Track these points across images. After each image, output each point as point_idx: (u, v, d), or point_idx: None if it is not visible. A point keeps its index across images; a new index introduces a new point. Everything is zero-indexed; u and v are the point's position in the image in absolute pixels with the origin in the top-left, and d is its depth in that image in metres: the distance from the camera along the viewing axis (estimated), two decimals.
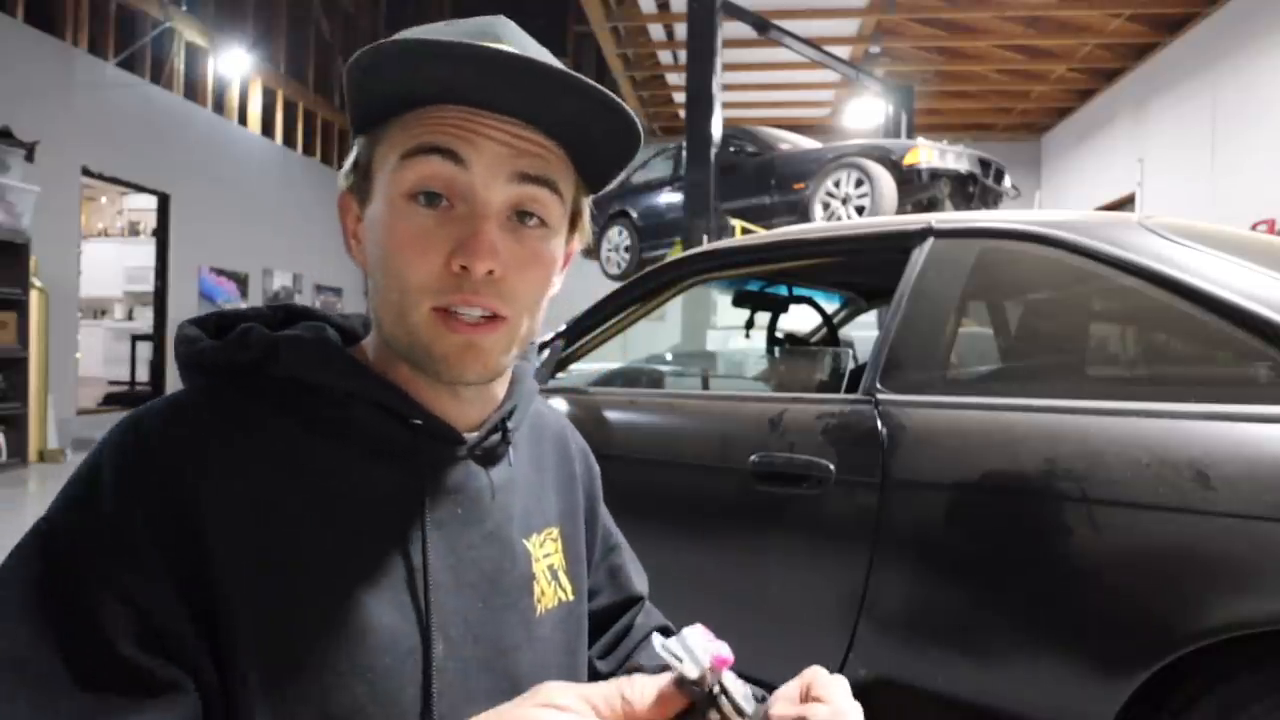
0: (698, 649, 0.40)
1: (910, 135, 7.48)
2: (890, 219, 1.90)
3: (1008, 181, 6.01)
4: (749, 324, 2.85)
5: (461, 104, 0.52)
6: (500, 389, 0.63)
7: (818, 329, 2.93)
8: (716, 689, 0.41)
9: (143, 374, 8.88)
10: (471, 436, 0.59)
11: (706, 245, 2.73)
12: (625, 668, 0.73)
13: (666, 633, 0.78)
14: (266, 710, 0.48)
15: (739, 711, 0.41)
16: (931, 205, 5.45)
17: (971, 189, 5.55)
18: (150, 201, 8.50)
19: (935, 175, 5.37)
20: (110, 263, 10.35)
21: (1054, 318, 1.68)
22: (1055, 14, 7.94)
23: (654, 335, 4.75)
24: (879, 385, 1.47)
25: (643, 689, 0.41)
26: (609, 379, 2.38)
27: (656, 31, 9.03)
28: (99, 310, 10.86)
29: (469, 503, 0.59)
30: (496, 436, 0.62)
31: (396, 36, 0.50)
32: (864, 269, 2.41)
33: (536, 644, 0.61)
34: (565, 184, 0.56)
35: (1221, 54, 7.17)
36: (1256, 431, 1.10)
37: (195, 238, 8.48)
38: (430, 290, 0.52)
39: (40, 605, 0.45)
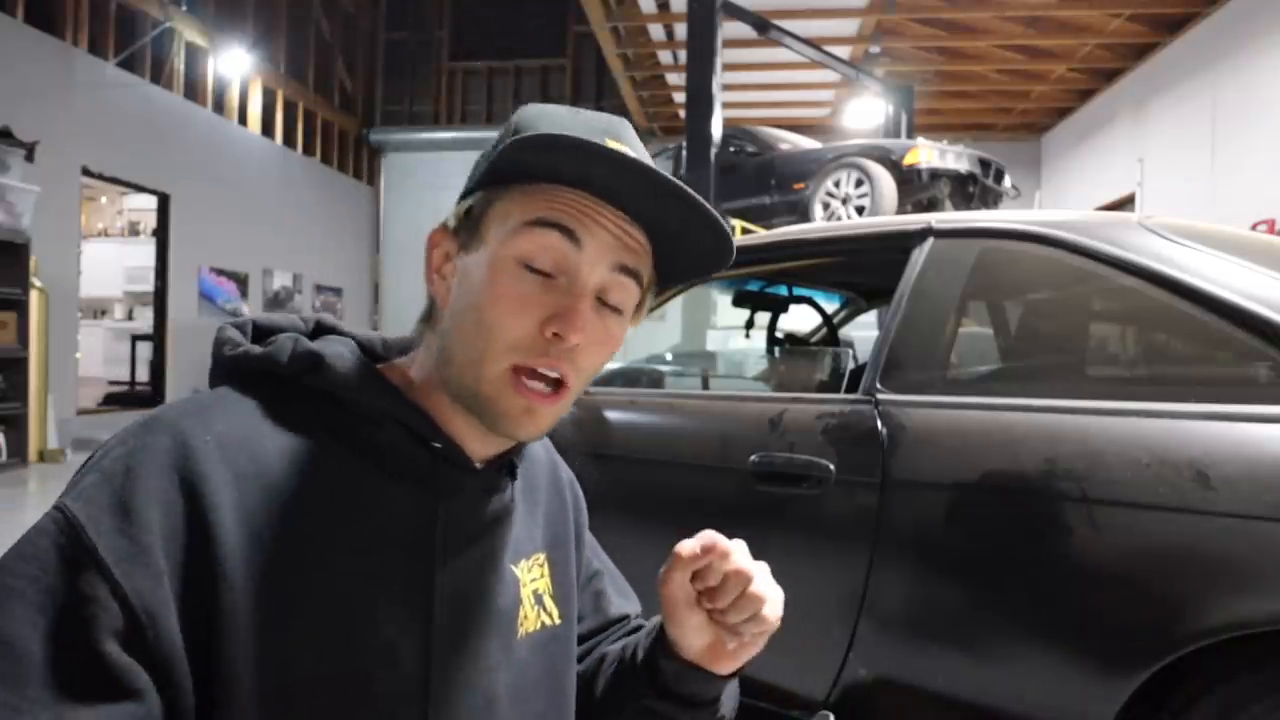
0: None
1: (910, 135, 7.48)
2: (890, 219, 1.90)
3: (1008, 181, 6.01)
4: (749, 324, 2.85)
5: (586, 190, 0.57)
6: None
7: (818, 329, 2.93)
8: None
9: (143, 374, 8.87)
10: (481, 466, 0.62)
11: None
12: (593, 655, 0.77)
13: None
14: None
15: None
16: (931, 205, 5.46)
17: (971, 189, 5.55)
18: (150, 201, 8.49)
19: (935, 175, 5.37)
20: (110, 263, 10.34)
21: (1054, 318, 1.68)
22: (1055, 14, 7.93)
23: (654, 335, 4.75)
24: (879, 385, 1.48)
25: None
26: (609, 379, 2.38)
27: (656, 31, 9.02)
28: (99, 310, 10.85)
29: (473, 528, 0.61)
30: (504, 471, 0.65)
31: (562, 132, 0.54)
32: (864, 269, 2.41)
33: (514, 665, 0.63)
34: (646, 278, 0.62)
35: (1221, 54, 7.16)
36: (1256, 431, 1.10)
37: (195, 238, 8.47)
38: (519, 349, 0.56)
39: (42, 590, 0.46)
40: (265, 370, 0.58)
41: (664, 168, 7.28)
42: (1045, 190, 11.07)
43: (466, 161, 0.69)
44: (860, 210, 5.33)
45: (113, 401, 8.35)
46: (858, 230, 1.82)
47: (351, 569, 0.54)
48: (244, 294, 9.36)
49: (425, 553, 0.58)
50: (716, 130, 5.35)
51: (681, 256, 0.62)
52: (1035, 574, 1.22)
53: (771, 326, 2.84)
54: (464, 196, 0.61)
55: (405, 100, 12.36)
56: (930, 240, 1.57)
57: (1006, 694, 1.24)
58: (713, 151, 5.27)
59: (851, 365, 2.16)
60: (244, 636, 0.49)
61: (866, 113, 8.86)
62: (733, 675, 0.67)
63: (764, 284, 2.67)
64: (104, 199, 10.83)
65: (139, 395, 8.66)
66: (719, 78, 5.46)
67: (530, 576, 0.67)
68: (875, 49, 8.52)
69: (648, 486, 1.75)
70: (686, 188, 0.56)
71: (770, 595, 0.60)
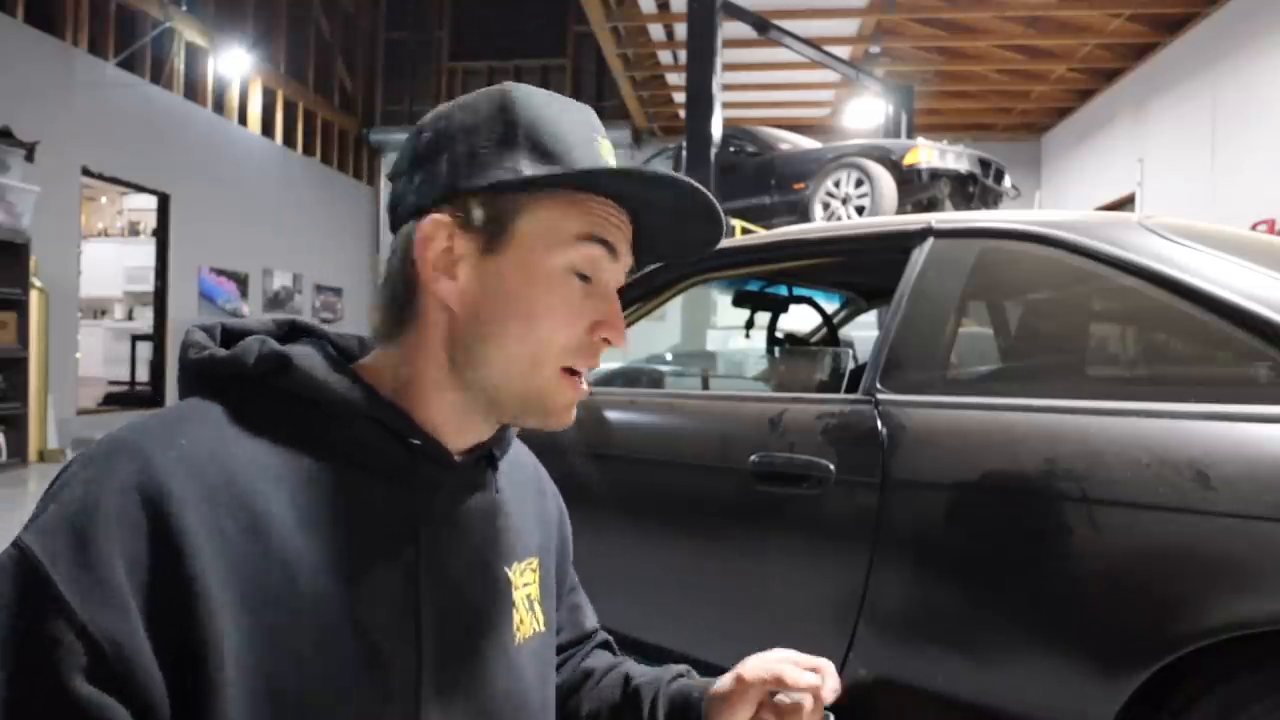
0: None
1: (910, 135, 7.48)
2: (890, 219, 1.90)
3: (1008, 181, 6.01)
4: (749, 324, 2.85)
5: (608, 196, 0.60)
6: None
7: (818, 329, 2.93)
8: None
9: (143, 374, 8.87)
10: (462, 460, 0.61)
11: None
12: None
13: (610, 648, 0.84)
14: None
15: None
16: (931, 205, 5.46)
17: (971, 189, 5.55)
18: (150, 201, 8.49)
19: (935, 175, 5.37)
20: (110, 263, 10.33)
21: (1054, 318, 1.68)
22: (1055, 14, 7.93)
23: (654, 335, 4.75)
24: (879, 385, 1.47)
25: None
26: (609, 379, 2.37)
27: (656, 31, 9.02)
28: (99, 310, 10.85)
29: (458, 525, 0.61)
30: (484, 463, 0.65)
31: (620, 170, 0.59)
32: (864, 269, 2.41)
33: (513, 671, 0.63)
34: None
35: (1221, 54, 7.16)
36: (1256, 431, 1.10)
37: (195, 238, 8.47)
38: (570, 351, 0.59)
39: (3, 631, 0.45)
40: (232, 373, 0.56)
41: (664, 168, 7.28)
42: (1045, 190, 11.07)
43: None
44: (860, 210, 5.33)
45: (113, 401, 8.35)
46: (858, 230, 1.82)
47: (330, 572, 0.52)
48: (244, 294, 9.36)
49: (408, 551, 0.57)
50: (716, 130, 5.35)
51: (656, 232, 0.65)
52: (1035, 574, 1.22)
53: (771, 326, 2.84)
54: (470, 191, 0.57)
55: (405, 100, 12.36)
56: (930, 240, 1.57)
57: (1007, 694, 1.24)
58: (713, 151, 5.27)
59: (851, 365, 2.16)
60: (225, 652, 0.47)
61: (866, 113, 8.87)
62: None
63: (764, 284, 2.67)
64: (104, 199, 10.83)
65: (139, 395, 8.66)
66: (719, 78, 5.46)
67: (523, 580, 0.67)
68: (875, 49, 8.52)
69: (648, 486, 1.75)
70: (713, 200, 0.61)
71: None
